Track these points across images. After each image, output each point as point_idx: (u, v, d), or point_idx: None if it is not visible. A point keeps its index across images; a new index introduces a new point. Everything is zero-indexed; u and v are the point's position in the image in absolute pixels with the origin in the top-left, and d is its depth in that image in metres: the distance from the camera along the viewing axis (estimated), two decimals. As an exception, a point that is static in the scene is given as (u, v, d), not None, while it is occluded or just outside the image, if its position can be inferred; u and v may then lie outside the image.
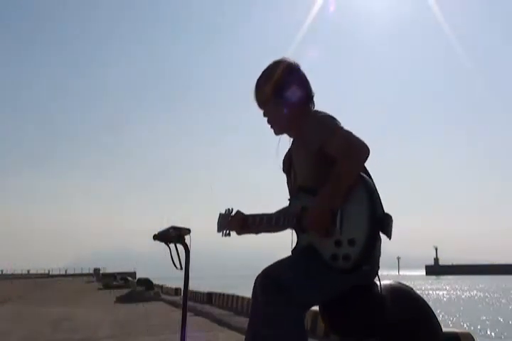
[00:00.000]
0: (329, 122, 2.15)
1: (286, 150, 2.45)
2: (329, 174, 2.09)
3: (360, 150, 2.07)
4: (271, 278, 2.04)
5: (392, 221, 2.07)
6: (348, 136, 2.09)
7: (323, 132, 2.13)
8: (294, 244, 2.26)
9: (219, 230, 2.46)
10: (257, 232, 2.45)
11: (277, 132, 2.36)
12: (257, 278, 2.14)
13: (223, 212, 2.47)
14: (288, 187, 2.41)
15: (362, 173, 2.09)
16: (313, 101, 2.32)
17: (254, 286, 2.18)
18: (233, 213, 2.44)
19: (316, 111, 2.26)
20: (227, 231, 2.44)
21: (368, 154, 2.06)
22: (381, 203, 2.07)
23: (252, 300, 2.20)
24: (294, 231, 2.27)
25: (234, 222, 2.40)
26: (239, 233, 2.43)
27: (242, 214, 2.41)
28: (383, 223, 2.04)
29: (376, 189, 2.08)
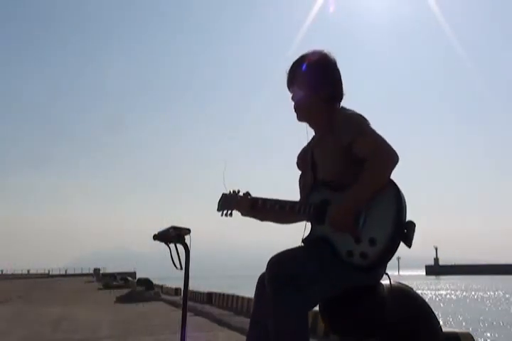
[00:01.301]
0: (361, 121, 2.15)
1: (301, 146, 2.45)
2: (352, 170, 2.10)
3: (389, 156, 2.06)
4: (279, 267, 2.03)
5: (415, 229, 2.05)
6: (380, 139, 2.08)
7: (354, 130, 2.13)
8: (305, 235, 2.24)
9: (219, 209, 2.40)
10: (262, 219, 2.41)
11: (299, 118, 2.35)
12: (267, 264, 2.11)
13: (227, 192, 2.41)
14: (300, 183, 2.40)
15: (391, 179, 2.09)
16: (340, 101, 2.31)
17: (259, 281, 2.18)
18: (241, 193, 2.38)
19: (345, 108, 2.26)
20: (229, 212, 2.38)
21: (397, 161, 2.05)
22: (407, 211, 2.06)
23: (257, 288, 2.19)
24: (308, 221, 2.26)
25: (242, 202, 2.35)
26: (245, 214, 2.37)
27: (251, 195, 2.37)
28: (407, 230, 2.04)
29: (404, 197, 2.08)
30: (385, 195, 2.06)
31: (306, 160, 2.38)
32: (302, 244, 2.23)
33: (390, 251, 2.03)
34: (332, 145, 2.20)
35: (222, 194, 2.41)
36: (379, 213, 2.05)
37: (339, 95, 2.30)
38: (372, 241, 2.02)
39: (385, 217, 2.03)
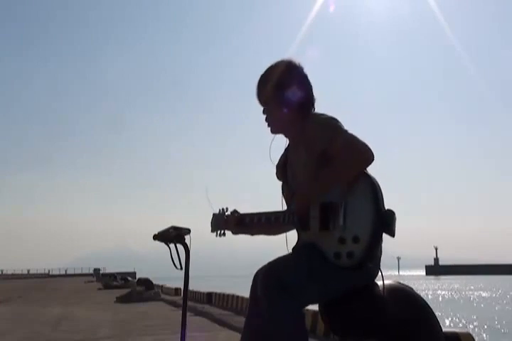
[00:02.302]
0: (333, 124, 2.15)
1: (280, 155, 2.43)
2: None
3: (364, 155, 2.07)
4: (272, 276, 2.04)
5: (395, 217, 2.06)
6: (353, 139, 2.08)
7: (326, 134, 2.12)
8: (294, 243, 2.26)
9: (213, 230, 2.44)
10: (253, 233, 2.44)
11: (273, 131, 2.35)
12: (257, 275, 2.14)
13: (217, 211, 2.45)
14: (283, 192, 2.39)
15: (367, 172, 2.09)
16: (313, 106, 2.31)
17: (253, 284, 2.19)
18: (228, 212, 2.42)
19: (317, 113, 2.25)
20: (222, 231, 2.42)
21: (372, 160, 2.06)
22: (383, 201, 2.07)
23: (250, 297, 2.20)
24: (295, 229, 2.27)
25: (230, 221, 2.38)
26: (235, 232, 2.41)
27: (238, 213, 2.40)
28: (387, 220, 2.04)
29: (380, 188, 2.08)
30: (360, 189, 2.06)
31: (284, 169, 2.38)
32: (291, 252, 2.24)
33: (375, 245, 2.04)
34: (306, 153, 2.21)
35: (213, 214, 2.45)
36: (357, 209, 2.05)
37: (310, 102, 2.30)
38: (355, 239, 2.02)
39: (363, 212, 2.03)
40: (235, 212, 2.41)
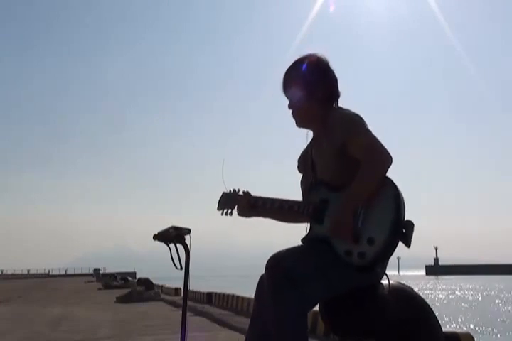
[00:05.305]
0: (357, 121, 2.15)
1: (302, 149, 2.44)
2: (350, 170, 2.10)
3: (381, 158, 2.07)
4: (279, 267, 2.03)
5: (413, 229, 2.05)
6: (373, 140, 2.08)
7: (347, 130, 2.13)
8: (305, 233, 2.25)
9: (219, 208, 2.40)
10: (264, 216, 2.40)
11: (298, 124, 2.35)
12: (266, 264, 2.12)
13: (227, 191, 2.41)
14: (302, 186, 2.40)
15: (393, 181, 2.09)
16: (337, 100, 2.31)
17: (258, 283, 2.19)
18: (241, 192, 2.38)
19: (342, 108, 2.26)
20: (230, 210, 2.38)
21: (390, 163, 2.06)
22: (405, 212, 2.07)
23: (255, 297, 2.21)
24: (307, 221, 2.26)
25: (241, 202, 2.35)
26: (244, 214, 2.37)
27: (251, 195, 2.37)
28: (405, 230, 2.04)
29: (403, 198, 2.08)
30: (383, 193, 2.06)
31: (306, 161, 2.38)
32: (301, 244, 2.24)
33: (389, 250, 2.03)
34: (328, 145, 2.21)
35: (223, 193, 2.42)
36: (377, 212, 2.05)
37: (335, 95, 2.31)
38: (370, 241, 2.02)
39: (383, 216, 2.03)
40: (248, 193, 2.37)
